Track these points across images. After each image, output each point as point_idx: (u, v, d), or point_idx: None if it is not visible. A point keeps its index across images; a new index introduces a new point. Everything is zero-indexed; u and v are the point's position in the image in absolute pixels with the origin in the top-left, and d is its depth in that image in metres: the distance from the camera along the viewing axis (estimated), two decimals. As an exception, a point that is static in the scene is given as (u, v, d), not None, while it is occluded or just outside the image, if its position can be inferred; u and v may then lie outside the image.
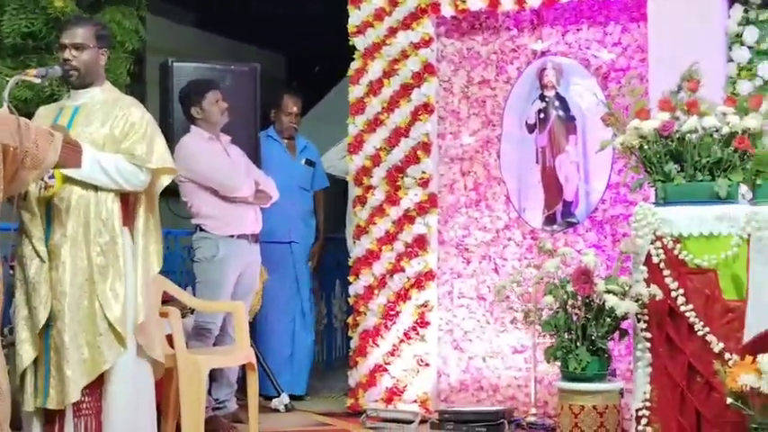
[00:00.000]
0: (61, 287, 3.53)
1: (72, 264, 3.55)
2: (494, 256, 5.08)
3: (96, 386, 3.55)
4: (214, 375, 4.69)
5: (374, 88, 5.19)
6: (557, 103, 4.98)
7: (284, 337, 5.66)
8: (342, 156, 5.71)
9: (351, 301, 5.22)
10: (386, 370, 5.04)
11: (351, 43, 5.25)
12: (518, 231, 5.04)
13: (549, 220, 4.96)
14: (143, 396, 3.68)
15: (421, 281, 5.02)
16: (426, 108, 5.07)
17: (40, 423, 3.59)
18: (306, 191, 5.86)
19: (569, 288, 3.88)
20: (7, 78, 4.90)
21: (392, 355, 5.04)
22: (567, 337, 3.86)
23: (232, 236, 4.81)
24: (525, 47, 5.07)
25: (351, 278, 5.19)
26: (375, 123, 5.17)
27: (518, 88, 5.04)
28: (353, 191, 5.27)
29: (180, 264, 5.84)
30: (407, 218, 5.07)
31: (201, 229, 4.83)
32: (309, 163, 5.90)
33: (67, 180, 3.56)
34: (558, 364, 3.91)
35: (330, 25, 5.75)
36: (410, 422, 4.81)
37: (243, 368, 4.63)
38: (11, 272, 3.74)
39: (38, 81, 3.70)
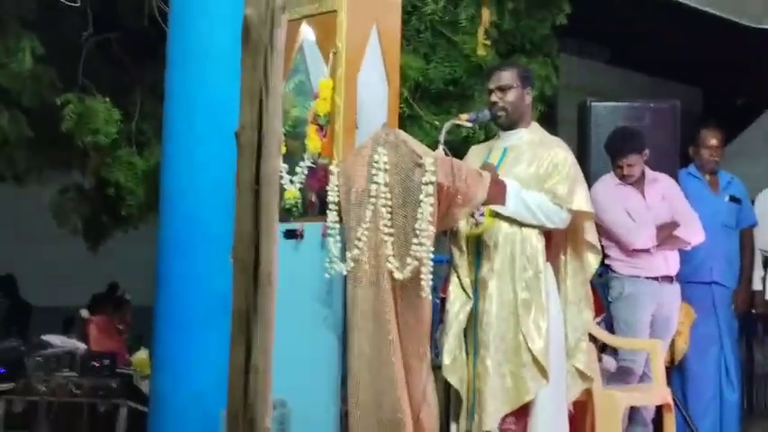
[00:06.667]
0: (487, 318, 3.72)
1: (498, 297, 3.73)
2: None
3: (522, 415, 3.69)
4: (630, 413, 4.65)
5: (803, 121, 4.88)
6: None
7: (704, 381, 5.46)
8: None
9: (777, 346, 4.93)
10: (816, 424, 4.68)
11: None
12: None
13: None
14: (562, 429, 3.78)
15: None
16: None
17: None
18: (730, 228, 5.61)
19: None
20: (434, 123, 5.31)
21: (825, 408, 4.67)
22: None
23: (638, 276, 4.82)
24: None
25: (775, 323, 4.90)
26: (805, 158, 4.86)
27: None
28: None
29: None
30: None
31: (612, 270, 4.91)
32: (734, 199, 5.63)
33: (496, 217, 3.77)
34: None
35: (750, 56, 5.51)
36: None
37: (659, 409, 4.56)
38: (437, 301, 4.03)
39: (468, 125, 3.97)
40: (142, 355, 6.29)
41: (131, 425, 5.09)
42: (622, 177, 4.90)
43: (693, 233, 4.89)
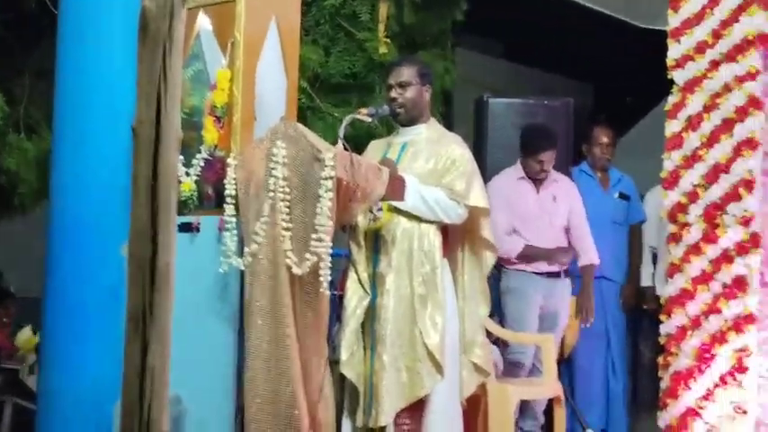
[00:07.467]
0: (385, 313, 3.74)
1: (396, 292, 3.75)
2: (825, 303, 4.75)
3: (417, 409, 3.73)
4: (521, 406, 4.74)
5: (693, 123, 5.00)
6: None
7: (592, 374, 5.59)
8: None
9: (662, 340, 5.07)
10: (698, 414, 4.82)
11: (669, 77, 5.12)
12: None
13: None
14: (456, 424, 3.82)
15: (740, 324, 4.75)
16: (750, 144, 4.80)
17: None
18: (619, 225, 5.75)
19: None
20: (334, 114, 5.29)
21: (706, 399, 4.80)
22: None
23: (524, 270, 4.90)
24: None
25: (662, 317, 5.05)
26: (693, 159, 4.98)
27: None
28: (667, 228, 5.13)
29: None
30: (726, 257, 4.82)
31: (501, 264, 4.96)
32: (623, 196, 5.79)
33: (394, 212, 3.78)
34: None
35: (639, 54, 5.65)
36: (725, 472, 4.60)
37: (549, 402, 4.66)
38: (334, 296, 4.01)
39: (368, 120, 3.96)
40: (25, 335, 6.05)
41: (17, 422, 4.93)
42: (539, 172, 4.94)
43: (594, 254, 5.03)
